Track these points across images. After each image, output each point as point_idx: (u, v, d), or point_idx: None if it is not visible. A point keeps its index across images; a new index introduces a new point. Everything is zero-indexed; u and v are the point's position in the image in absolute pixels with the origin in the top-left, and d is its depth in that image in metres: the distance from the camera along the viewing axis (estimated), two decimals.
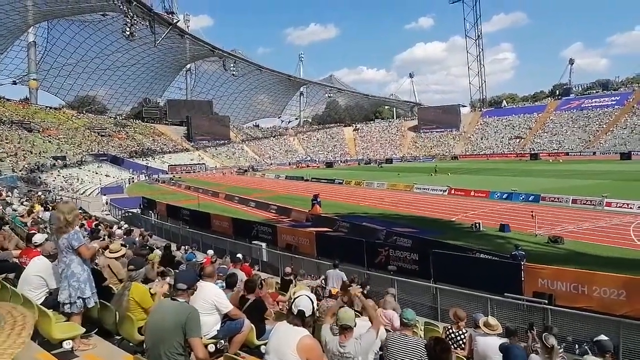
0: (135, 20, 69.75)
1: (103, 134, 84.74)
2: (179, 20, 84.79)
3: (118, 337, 4.99)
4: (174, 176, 69.48)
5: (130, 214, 28.69)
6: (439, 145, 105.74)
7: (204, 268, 5.21)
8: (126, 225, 18.09)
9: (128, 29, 69.29)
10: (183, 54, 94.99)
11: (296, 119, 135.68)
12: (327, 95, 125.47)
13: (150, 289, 5.18)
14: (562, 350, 5.67)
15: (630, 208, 23.97)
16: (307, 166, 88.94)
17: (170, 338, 3.37)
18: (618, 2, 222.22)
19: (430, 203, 31.08)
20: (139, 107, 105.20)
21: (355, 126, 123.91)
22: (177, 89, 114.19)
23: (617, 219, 22.09)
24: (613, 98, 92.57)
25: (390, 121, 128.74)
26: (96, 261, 6.49)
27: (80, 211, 21.65)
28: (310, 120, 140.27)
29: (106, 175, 60.45)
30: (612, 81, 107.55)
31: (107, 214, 30.28)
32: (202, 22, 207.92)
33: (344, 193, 39.90)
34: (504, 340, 5.23)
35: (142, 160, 78.64)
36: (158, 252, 11.54)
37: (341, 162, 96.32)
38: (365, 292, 8.06)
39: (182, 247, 15.22)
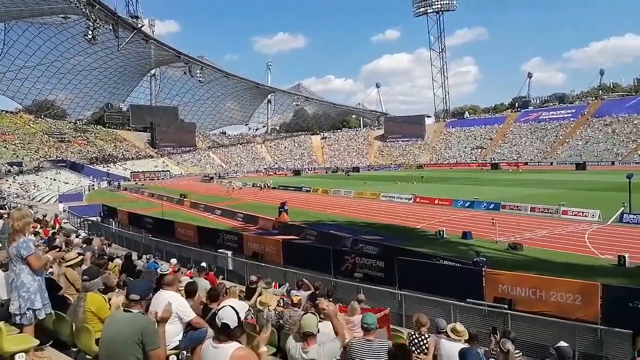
0: (97, 23, 67.85)
1: (62, 139, 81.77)
2: (143, 25, 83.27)
3: (75, 349, 4.79)
4: (136, 183, 67.74)
5: (89, 222, 27.71)
6: (404, 154, 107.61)
7: (164, 276, 5.07)
8: (85, 234, 17.45)
9: (90, 33, 67.31)
10: (147, 59, 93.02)
11: (264, 126, 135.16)
12: (295, 103, 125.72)
13: (109, 299, 5.00)
14: (520, 354, 5.83)
15: (585, 216, 25.03)
16: (275, 174, 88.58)
17: (126, 352, 3.23)
18: (574, 20, 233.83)
19: (396, 211, 31.50)
20: (101, 112, 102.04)
21: (323, 135, 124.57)
22: (141, 94, 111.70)
23: (573, 227, 23.02)
24: (569, 111, 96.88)
25: (357, 130, 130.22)
26: (50, 270, 6.23)
27: (39, 218, 20.80)
28: (278, 128, 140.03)
29: (65, 182, 58.33)
30: (568, 94, 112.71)
31: (65, 222, 29.10)
32: (169, 28, 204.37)
33: (312, 201, 39.93)
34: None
35: (103, 167, 76.39)
36: (118, 261, 11.19)
37: (309, 170, 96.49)
38: (331, 300, 8.06)
39: (144, 256, 14.78)
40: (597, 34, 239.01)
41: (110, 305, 4.88)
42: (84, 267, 6.54)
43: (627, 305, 9.21)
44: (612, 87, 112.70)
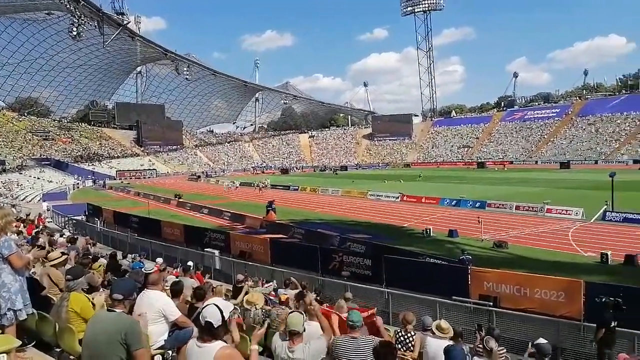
0: (82, 20, 66.91)
1: (46, 137, 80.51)
2: (129, 22, 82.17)
3: (58, 350, 4.72)
4: (122, 182, 67.00)
5: (74, 221, 27.36)
6: (392, 153, 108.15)
7: (149, 276, 5.03)
8: (69, 233, 17.21)
9: (75, 29, 66.38)
10: (133, 56, 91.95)
11: (251, 125, 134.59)
12: (283, 102, 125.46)
13: (93, 298, 4.94)
14: (504, 351, 5.89)
15: (569, 214, 25.41)
16: (263, 172, 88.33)
17: (109, 352, 3.19)
18: (559, 21, 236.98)
19: (384, 209, 31.63)
20: (86, 109, 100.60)
21: (311, 133, 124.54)
22: (127, 92, 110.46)
23: (557, 225, 23.35)
24: (554, 110, 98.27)
25: (345, 129, 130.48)
26: (33, 270, 6.13)
27: (22, 217, 20.47)
28: (265, 126, 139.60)
29: (49, 181, 57.51)
30: (553, 94, 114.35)
31: (49, 222, 28.68)
32: (155, 25, 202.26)
33: (299, 199, 39.90)
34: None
35: (88, 165, 75.42)
36: (103, 261, 11.06)
37: (297, 168, 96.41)
38: (318, 298, 8.07)
39: (130, 255, 14.63)
40: (581, 34, 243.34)
41: (94, 305, 4.82)
42: (67, 266, 6.45)
43: None
44: (595, 87, 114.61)
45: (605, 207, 25.01)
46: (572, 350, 8.50)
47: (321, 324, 4.08)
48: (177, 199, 39.79)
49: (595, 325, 7.78)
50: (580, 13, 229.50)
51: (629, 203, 26.19)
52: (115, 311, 3.41)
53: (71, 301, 4.67)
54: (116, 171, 76.96)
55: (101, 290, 6.28)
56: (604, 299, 8.16)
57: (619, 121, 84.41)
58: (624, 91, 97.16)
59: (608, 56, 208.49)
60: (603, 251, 16.31)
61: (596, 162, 73.24)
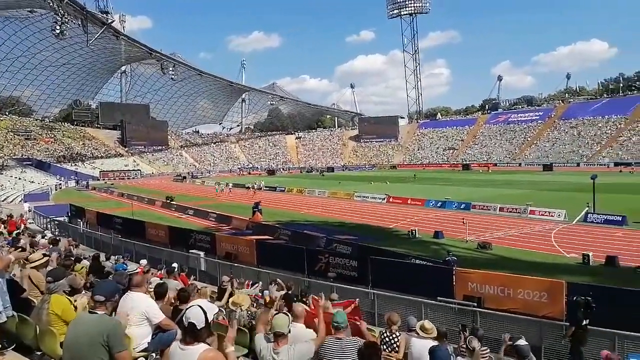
0: (66, 18, 65.85)
1: (28, 137, 79.13)
2: (113, 21, 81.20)
3: (39, 353, 4.64)
4: (106, 182, 66.15)
5: (56, 222, 26.92)
6: (378, 154, 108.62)
7: (133, 278, 4.97)
8: (51, 234, 16.93)
9: (58, 27, 65.26)
10: (118, 56, 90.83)
11: (238, 125, 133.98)
12: (269, 103, 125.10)
13: (75, 301, 4.86)
14: (487, 351, 5.96)
15: (552, 216, 25.79)
16: (249, 173, 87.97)
17: (91, 354, 3.13)
18: (542, 25, 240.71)
19: (370, 211, 31.74)
20: (69, 109, 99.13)
21: (298, 134, 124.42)
22: (111, 91, 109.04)
23: (540, 226, 23.69)
24: (537, 113, 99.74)
25: (332, 130, 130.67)
26: (13, 272, 6.01)
27: (3, 218, 20.07)
28: (252, 127, 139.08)
29: (30, 181, 56.54)
30: (536, 97, 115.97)
31: (30, 223, 28.16)
32: (141, 24, 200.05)
33: (286, 201, 39.82)
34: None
35: (71, 166, 74.34)
36: (86, 263, 10.90)
37: (283, 169, 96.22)
38: (304, 299, 8.06)
39: (113, 257, 14.43)
40: (564, 38, 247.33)
41: (76, 307, 4.75)
42: (49, 268, 6.35)
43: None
44: (578, 90, 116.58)
45: (587, 209, 25.44)
46: (554, 350, 8.62)
47: (319, 329, 4.02)
48: (168, 201, 37.85)
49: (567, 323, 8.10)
50: (563, 17, 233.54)
51: (610, 205, 26.69)
52: (97, 313, 3.36)
53: (52, 303, 4.59)
54: (100, 172, 75.99)
55: (83, 292, 6.18)
56: (575, 298, 8.37)
57: (600, 124, 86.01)
58: (605, 95, 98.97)
59: (590, 61, 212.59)
60: (585, 252, 16.57)
61: (578, 164, 74.50)
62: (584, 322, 7.82)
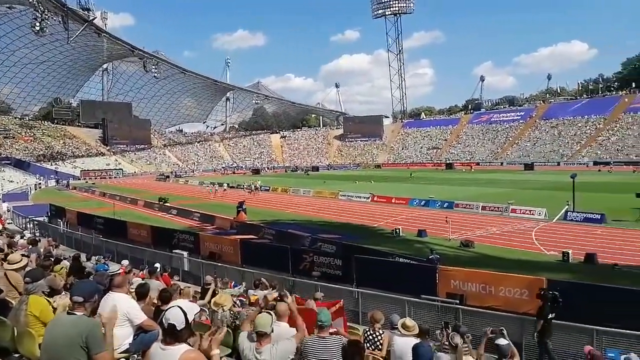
0: (46, 15, 64.56)
1: (6, 135, 77.43)
2: (95, 18, 79.93)
3: (16, 355, 4.54)
4: (87, 182, 65.12)
5: (35, 222, 26.41)
6: (363, 154, 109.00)
7: (114, 278, 4.90)
8: (30, 235, 16.60)
9: (38, 24, 63.95)
10: (99, 53, 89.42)
11: (222, 124, 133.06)
12: (254, 101, 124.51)
13: (54, 302, 4.78)
14: (469, 347, 6.02)
15: (532, 214, 26.21)
16: (233, 172, 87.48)
17: (69, 356, 3.08)
18: (524, 26, 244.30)
19: (354, 210, 31.85)
20: (49, 107, 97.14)
21: (283, 133, 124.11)
22: (93, 89, 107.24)
23: (521, 224, 24.06)
24: (518, 113, 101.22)
25: (317, 129, 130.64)
26: None
27: None
28: (236, 126, 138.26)
29: (9, 181, 55.39)
30: (518, 98, 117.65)
31: (9, 223, 27.58)
32: (123, 21, 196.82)
33: (271, 200, 39.69)
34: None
35: (51, 165, 72.94)
36: (66, 263, 10.71)
37: (268, 169, 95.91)
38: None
39: (94, 257, 14.23)
40: (545, 39, 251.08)
41: (55, 308, 4.67)
42: (28, 269, 6.23)
43: (569, 299, 9.74)
44: (558, 91, 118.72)
45: (567, 207, 25.91)
46: (534, 346, 8.76)
47: (297, 325, 4.05)
48: (161, 203, 35.44)
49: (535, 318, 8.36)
50: (544, 19, 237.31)
51: (589, 203, 27.22)
52: (75, 314, 3.31)
53: (30, 304, 4.51)
54: (81, 171, 74.77)
55: (63, 293, 6.08)
56: (542, 292, 8.58)
57: (580, 124, 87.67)
58: (585, 96, 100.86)
59: (570, 62, 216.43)
60: (564, 250, 16.88)
61: (558, 163, 75.78)
62: (550, 316, 8.11)
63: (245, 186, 47.73)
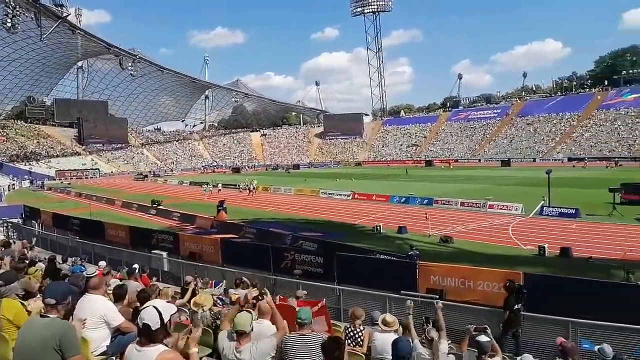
0: (17, 11, 62.84)
1: None
2: (69, 14, 77.98)
3: None
4: (62, 182, 63.70)
5: (9, 224, 25.71)
6: (343, 151, 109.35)
7: (90, 280, 4.81)
8: (3, 237, 16.15)
9: (9, 21, 62.18)
10: (74, 50, 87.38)
11: (201, 123, 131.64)
12: (234, 99, 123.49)
13: (28, 305, 4.66)
14: (449, 342, 6.10)
15: (509, 209, 26.70)
16: (213, 171, 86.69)
17: None
18: (500, 26, 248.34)
19: (336, 207, 31.92)
20: (22, 106, 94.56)
21: (263, 132, 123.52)
22: (67, 87, 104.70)
23: (499, 220, 24.47)
24: (495, 111, 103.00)
25: (297, 127, 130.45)
26: None
27: None
28: (216, 124, 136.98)
29: None
30: (495, 95, 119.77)
31: None
32: (99, 18, 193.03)
33: (252, 199, 39.46)
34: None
35: (25, 165, 71.14)
36: (41, 265, 10.46)
37: (248, 167, 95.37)
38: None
39: (70, 259, 13.91)
40: (520, 38, 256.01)
41: (29, 311, 4.56)
42: (1, 271, 6.08)
43: (546, 292, 9.97)
44: (534, 89, 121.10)
45: (543, 202, 26.46)
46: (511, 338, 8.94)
47: (277, 322, 4.04)
48: (155, 206, 32.74)
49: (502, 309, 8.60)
50: (520, 18, 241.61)
51: (564, 199, 27.86)
52: (48, 317, 3.23)
53: (3, 308, 4.40)
54: (56, 171, 73.13)
55: (38, 295, 5.95)
56: (508, 284, 8.82)
57: (554, 121, 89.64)
58: (559, 93, 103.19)
59: (545, 60, 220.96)
60: (540, 244, 17.23)
61: (534, 159, 77.40)
62: (516, 307, 8.40)
63: (241, 186, 45.44)
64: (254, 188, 41.55)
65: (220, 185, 45.71)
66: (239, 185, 46.31)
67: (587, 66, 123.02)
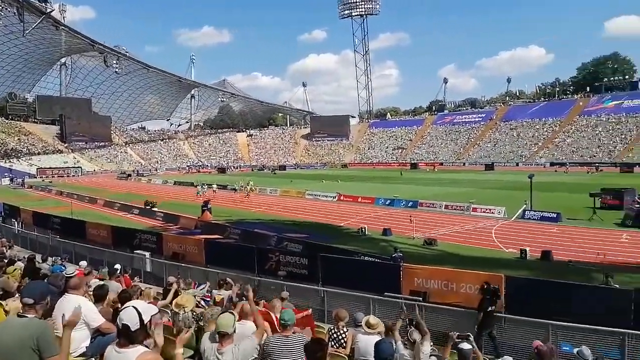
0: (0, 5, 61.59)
1: None
2: (52, 10, 76.78)
3: None
4: (43, 180, 62.57)
5: None
6: (330, 153, 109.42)
7: (70, 280, 4.74)
8: None
9: None
10: (57, 47, 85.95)
11: (187, 122, 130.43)
12: (220, 99, 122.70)
13: (6, 305, 4.57)
14: (432, 343, 6.15)
15: (492, 213, 27.02)
16: (198, 171, 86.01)
17: None
18: (485, 31, 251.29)
19: (321, 209, 31.94)
20: (3, 102, 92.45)
21: (249, 132, 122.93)
22: (50, 84, 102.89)
23: (482, 223, 24.77)
24: (479, 115, 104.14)
25: (283, 128, 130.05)
26: None
27: None
28: (202, 124, 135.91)
29: None
30: (479, 100, 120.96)
31: None
32: (83, 14, 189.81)
33: (237, 199, 39.25)
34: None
35: (5, 162, 69.74)
36: (20, 264, 10.26)
37: (234, 167, 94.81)
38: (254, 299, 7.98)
39: (50, 258, 13.66)
40: (505, 44, 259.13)
41: (7, 311, 4.47)
42: None
43: (527, 295, 10.11)
44: (517, 94, 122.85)
45: (525, 206, 26.85)
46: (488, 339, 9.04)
47: (256, 322, 4.03)
48: (148, 207, 31.39)
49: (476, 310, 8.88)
50: (504, 24, 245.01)
51: (546, 203, 28.32)
52: (26, 317, 3.17)
53: None
54: (37, 169, 71.87)
55: (17, 295, 5.84)
56: (485, 287, 8.97)
57: (537, 126, 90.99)
58: (542, 99, 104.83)
59: (529, 66, 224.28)
60: (522, 247, 17.51)
61: (517, 164, 78.30)
62: (490, 309, 8.66)
63: (237, 187, 44.43)
64: (251, 189, 40.84)
65: (215, 185, 44.21)
66: (235, 186, 45.39)
67: (570, 72, 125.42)
